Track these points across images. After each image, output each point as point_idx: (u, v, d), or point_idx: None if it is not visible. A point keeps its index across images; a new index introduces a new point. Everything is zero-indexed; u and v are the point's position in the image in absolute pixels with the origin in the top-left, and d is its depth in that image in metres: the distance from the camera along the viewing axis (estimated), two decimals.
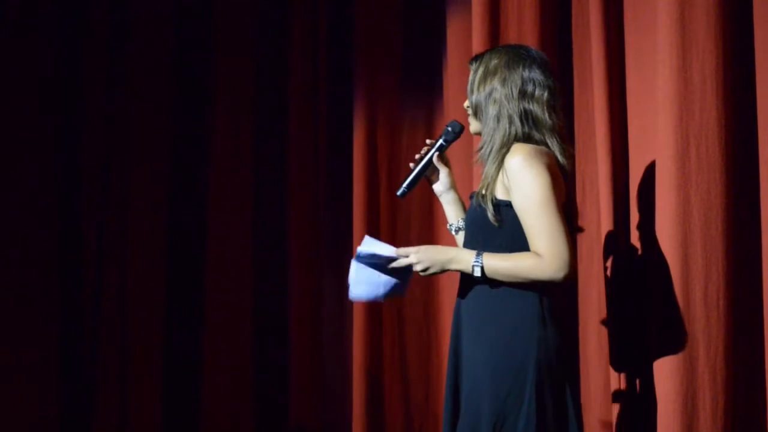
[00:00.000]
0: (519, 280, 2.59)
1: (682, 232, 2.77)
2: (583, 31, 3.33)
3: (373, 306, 3.94)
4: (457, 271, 2.66)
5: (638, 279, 3.05)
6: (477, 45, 3.43)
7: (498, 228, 2.63)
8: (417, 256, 2.68)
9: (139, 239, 4.65)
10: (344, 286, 4.19)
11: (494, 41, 3.42)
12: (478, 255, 2.62)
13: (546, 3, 3.42)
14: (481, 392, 2.60)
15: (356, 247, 3.95)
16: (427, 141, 2.88)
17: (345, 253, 4.18)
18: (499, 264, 2.60)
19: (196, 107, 4.68)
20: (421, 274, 2.69)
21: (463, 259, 2.64)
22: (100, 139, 4.71)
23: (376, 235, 3.96)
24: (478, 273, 2.61)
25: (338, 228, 4.29)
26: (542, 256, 2.56)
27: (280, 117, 4.51)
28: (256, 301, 4.56)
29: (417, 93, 4.07)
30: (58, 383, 4.63)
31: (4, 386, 4.53)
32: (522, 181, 2.59)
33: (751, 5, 2.78)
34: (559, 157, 2.66)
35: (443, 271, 2.68)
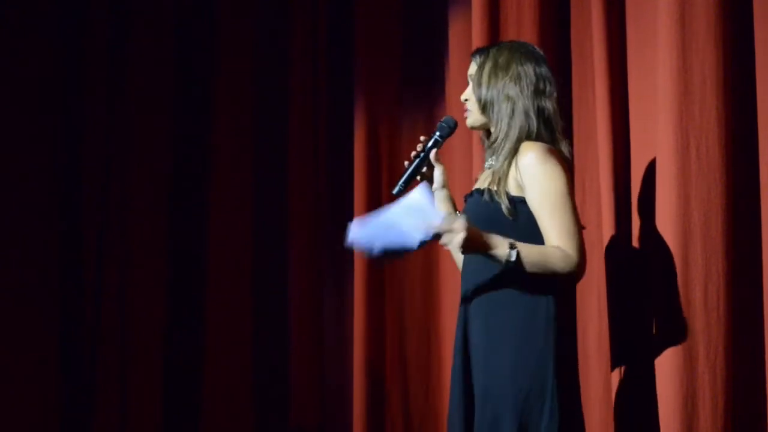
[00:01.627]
0: (544, 271, 2.57)
1: (682, 232, 2.77)
2: (583, 31, 3.33)
3: (373, 305, 3.94)
4: (485, 252, 2.56)
5: (638, 279, 3.05)
6: (477, 45, 3.43)
7: (512, 223, 2.62)
8: (459, 226, 2.53)
9: (139, 239, 4.65)
10: (344, 286, 4.23)
11: (494, 41, 3.42)
12: (510, 242, 2.56)
13: (545, 3, 3.42)
14: (500, 391, 2.59)
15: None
16: (422, 138, 2.86)
17: (345, 253, 4.18)
18: (530, 253, 2.56)
19: (196, 107, 4.68)
20: (446, 245, 2.56)
21: (498, 249, 2.56)
22: (100, 139, 4.71)
23: None
24: (513, 258, 2.55)
25: (338, 228, 4.28)
26: (568, 250, 2.57)
27: (280, 117, 4.51)
28: (256, 301, 4.56)
29: (417, 93, 4.07)
30: (58, 383, 4.63)
31: (4, 386, 4.53)
32: (539, 177, 2.59)
33: (751, 5, 2.78)
34: (567, 155, 2.69)
35: (479, 251, 2.57)
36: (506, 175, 2.63)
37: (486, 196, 2.66)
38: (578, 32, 3.37)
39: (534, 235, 2.61)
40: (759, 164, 2.74)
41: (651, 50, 3.00)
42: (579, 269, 2.59)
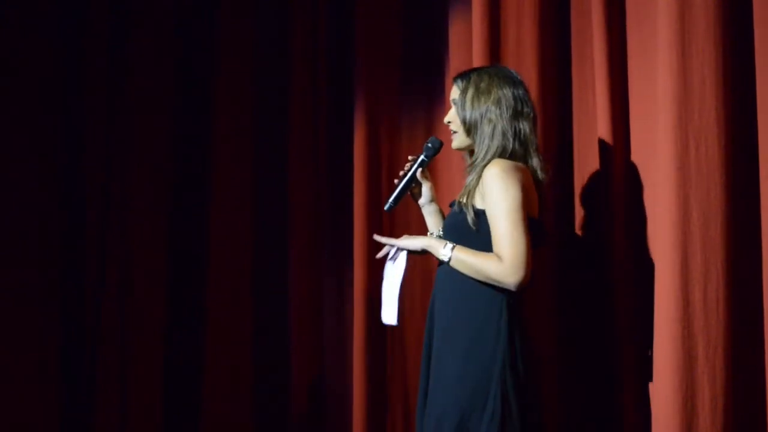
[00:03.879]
0: (477, 275, 2.78)
1: (682, 233, 2.77)
2: (583, 32, 3.34)
3: (373, 306, 3.94)
4: (425, 248, 2.89)
5: (638, 279, 3.06)
6: (477, 45, 3.44)
7: (475, 233, 2.81)
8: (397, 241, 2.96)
9: (140, 239, 4.65)
10: (344, 286, 4.23)
11: (494, 41, 3.43)
12: (450, 243, 2.84)
13: (546, 4, 3.42)
14: (446, 391, 2.77)
15: (356, 248, 3.98)
16: (409, 157, 3.06)
17: (345, 253, 4.18)
18: (465, 256, 2.80)
19: (196, 107, 4.68)
20: (397, 243, 2.96)
21: (436, 244, 2.87)
22: (100, 139, 4.71)
23: (378, 234, 3.96)
24: (448, 251, 2.82)
25: (338, 228, 4.29)
26: (503, 259, 2.74)
27: (280, 117, 4.51)
28: (256, 301, 4.56)
29: (417, 93, 4.06)
30: (58, 383, 4.63)
31: (4, 386, 4.53)
32: (494, 191, 2.77)
33: (750, 6, 2.78)
34: (539, 173, 2.87)
35: (420, 250, 2.91)
36: (474, 188, 2.83)
37: (456, 208, 2.87)
38: (578, 33, 3.37)
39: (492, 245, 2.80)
40: (759, 164, 2.74)
41: (651, 51, 3.00)
42: (512, 279, 2.74)
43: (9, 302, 4.57)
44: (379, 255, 3.03)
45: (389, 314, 2.98)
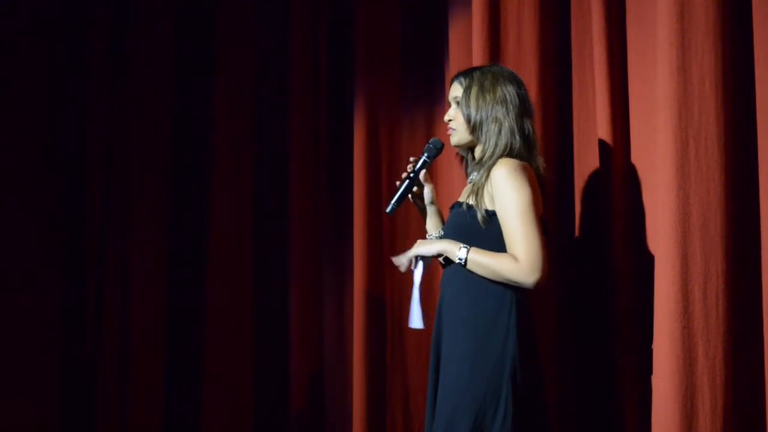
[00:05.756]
0: (493, 276, 2.78)
1: (681, 232, 2.77)
2: (583, 31, 3.34)
3: (373, 306, 3.94)
4: (442, 252, 2.86)
5: (637, 278, 3.06)
6: (477, 46, 3.44)
7: (485, 233, 2.81)
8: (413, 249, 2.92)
9: (141, 239, 4.65)
10: (344, 286, 4.23)
11: (494, 42, 3.43)
12: (464, 245, 2.82)
13: (546, 3, 3.42)
14: (457, 394, 2.76)
15: (356, 248, 3.99)
16: (411, 159, 3.05)
17: (345, 253, 4.18)
18: (481, 257, 2.79)
19: (197, 107, 4.68)
20: (414, 252, 2.91)
21: (450, 247, 2.84)
22: (101, 139, 4.71)
23: (377, 234, 3.96)
24: (463, 254, 2.80)
25: (338, 228, 4.29)
26: (519, 259, 2.75)
27: (280, 117, 4.51)
28: (256, 301, 4.56)
29: (417, 93, 4.07)
30: (58, 383, 4.63)
31: (4, 387, 4.53)
32: (506, 192, 2.77)
33: (750, 5, 2.78)
34: (541, 171, 2.89)
35: (435, 254, 2.88)
36: (483, 187, 2.83)
37: (464, 207, 2.87)
38: (578, 32, 3.37)
39: (502, 246, 2.80)
40: (758, 164, 2.74)
41: (651, 50, 3.01)
42: (531, 279, 2.76)
43: (9, 303, 4.57)
44: (403, 269, 2.97)
45: (415, 319, 2.96)
